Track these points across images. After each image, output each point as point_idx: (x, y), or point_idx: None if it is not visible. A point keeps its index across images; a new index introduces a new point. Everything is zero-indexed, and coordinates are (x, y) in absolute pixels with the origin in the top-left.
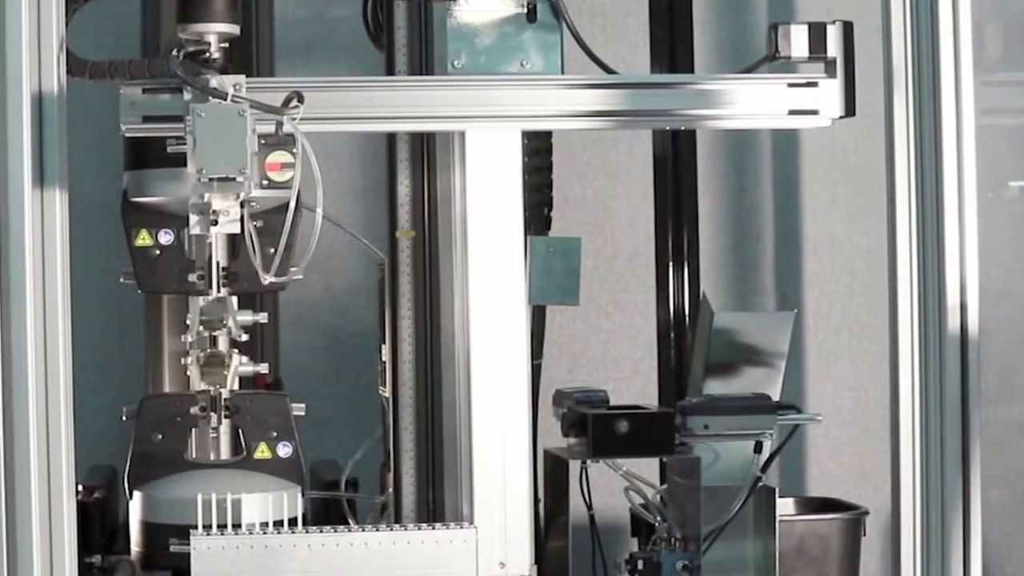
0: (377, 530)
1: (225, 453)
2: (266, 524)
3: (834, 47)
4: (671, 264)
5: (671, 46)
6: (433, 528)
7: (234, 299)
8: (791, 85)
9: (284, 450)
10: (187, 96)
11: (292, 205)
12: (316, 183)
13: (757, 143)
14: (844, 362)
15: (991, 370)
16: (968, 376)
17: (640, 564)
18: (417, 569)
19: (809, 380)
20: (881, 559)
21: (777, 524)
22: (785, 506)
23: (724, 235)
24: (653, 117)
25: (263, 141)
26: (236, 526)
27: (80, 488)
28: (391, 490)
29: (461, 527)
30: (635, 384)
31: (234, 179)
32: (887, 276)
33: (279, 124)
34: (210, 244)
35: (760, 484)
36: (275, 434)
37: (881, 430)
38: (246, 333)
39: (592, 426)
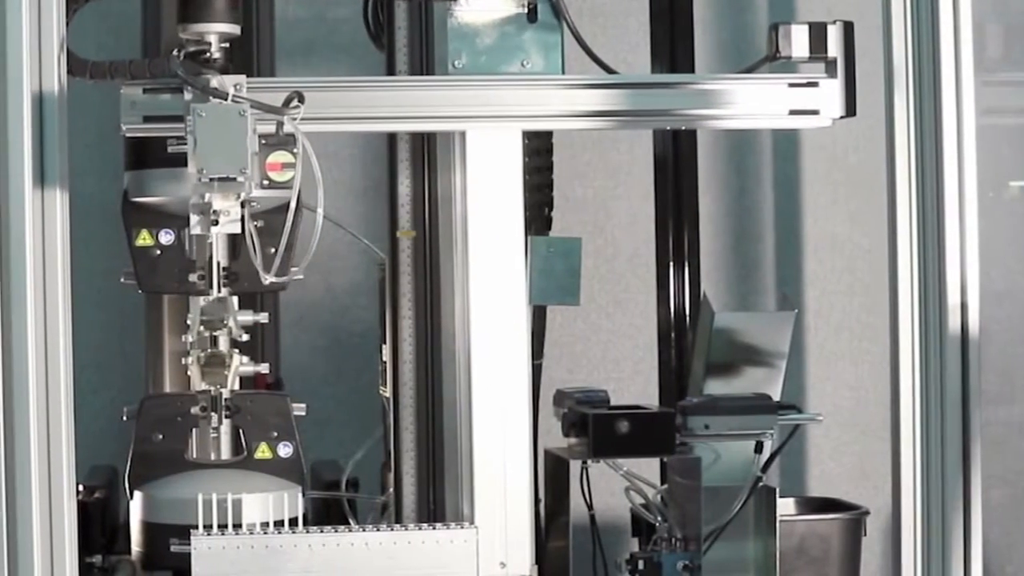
0: (378, 530)
1: (226, 453)
2: (267, 524)
3: (835, 47)
4: (672, 264)
5: (672, 46)
6: (434, 528)
7: (235, 299)
8: (792, 85)
9: (285, 450)
10: (188, 96)
11: (293, 205)
12: (317, 183)
13: (758, 143)
14: (845, 362)
15: (992, 370)
16: (969, 376)
17: (641, 564)
18: (418, 569)
19: (810, 380)
20: (882, 559)
21: (778, 524)
22: (786, 506)
23: (725, 235)
24: (654, 117)
25: (264, 141)
26: (237, 526)
27: (81, 488)
28: (392, 490)
29: (462, 527)
30: (636, 384)
31: (235, 179)
32: (888, 276)
33: (280, 124)
34: (211, 244)
35: (761, 484)
36: (276, 434)
37: (882, 430)
38: (247, 333)
39: (593, 426)
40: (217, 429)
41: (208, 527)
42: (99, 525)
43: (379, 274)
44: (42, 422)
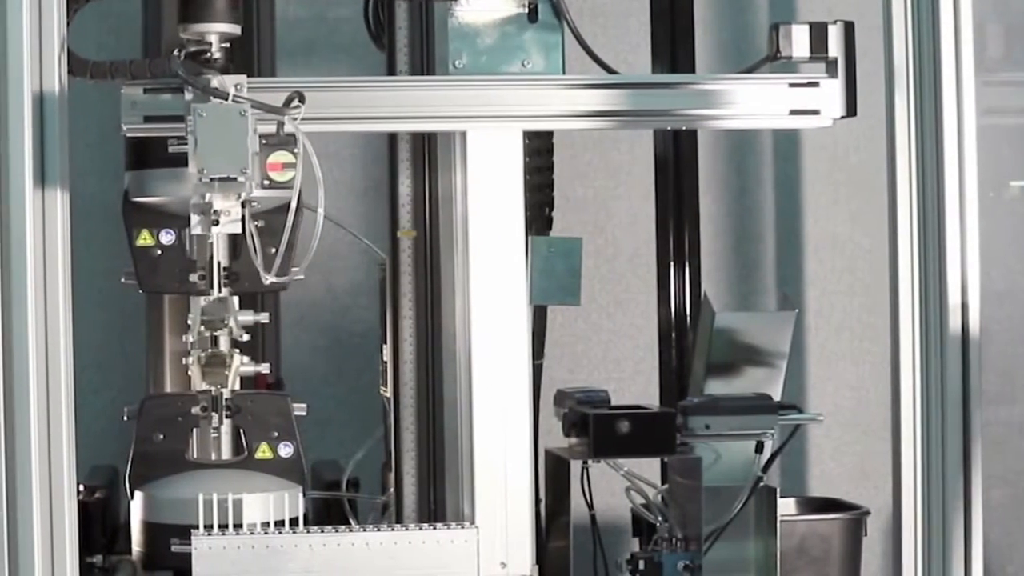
0: (378, 530)
1: (226, 453)
2: (267, 524)
3: (835, 47)
4: (672, 264)
5: (672, 46)
6: (434, 528)
7: (235, 299)
8: (792, 85)
9: (285, 450)
10: (188, 96)
11: (293, 205)
12: (317, 183)
13: (758, 143)
14: (845, 362)
15: (992, 370)
16: (969, 376)
17: (641, 564)
18: (418, 569)
19: (810, 380)
20: (882, 559)
21: (778, 524)
22: (786, 506)
23: (725, 235)
24: (654, 117)
25: (264, 141)
26: (237, 526)
27: (81, 488)
28: (392, 490)
29: (462, 527)
30: (636, 384)
31: (235, 179)
32: (888, 276)
33: (280, 124)
34: (211, 244)
35: (761, 484)
36: (276, 434)
37: (882, 430)
38: (247, 333)
39: (593, 426)
40: (218, 429)
41: (209, 527)
42: (100, 525)
43: (380, 274)
44: (43, 422)
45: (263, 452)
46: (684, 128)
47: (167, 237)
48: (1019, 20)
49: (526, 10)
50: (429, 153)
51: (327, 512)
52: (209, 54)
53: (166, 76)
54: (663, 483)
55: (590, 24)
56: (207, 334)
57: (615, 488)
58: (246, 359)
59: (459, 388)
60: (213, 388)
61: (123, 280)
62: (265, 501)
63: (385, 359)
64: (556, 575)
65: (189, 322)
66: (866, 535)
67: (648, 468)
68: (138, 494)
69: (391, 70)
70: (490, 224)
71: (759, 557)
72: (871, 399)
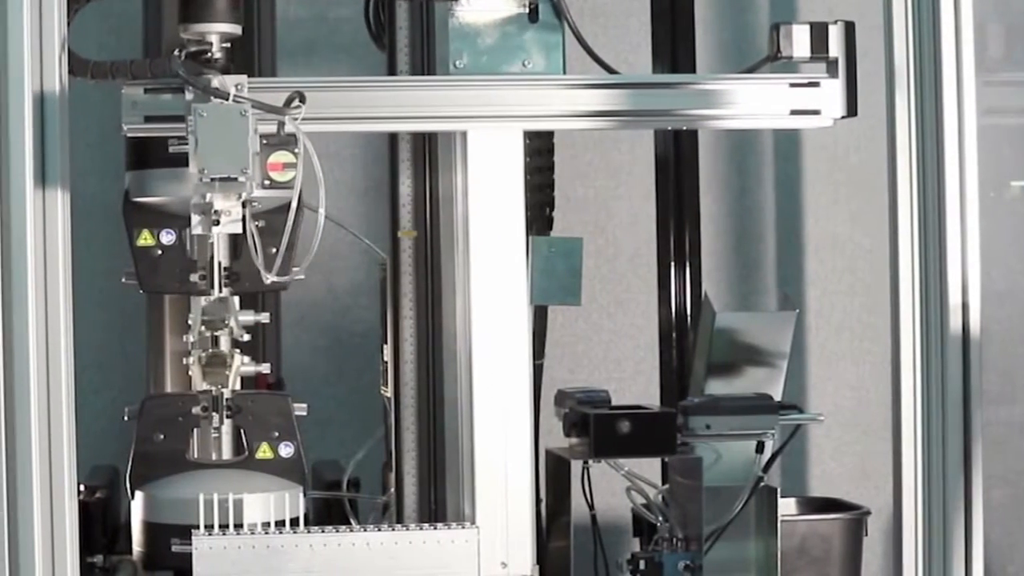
0: (379, 530)
1: (227, 453)
2: (268, 524)
3: (836, 47)
4: (673, 264)
5: (673, 46)
6: (435, 528)
7: (236, 299)
8: (793, 85)
9: (286, 450)
10: (189, 96)
11: (294, 205)
12: (318, 183)
13: (759, 143)
14: (846, 362)
15: (993, 370)
16: (970, 376)
17: (642, 564)
18: (419, 569)
19: (811, 380)
20: (883, 559)
21: (779, 524)
22: (787, 506)
23: (726, 235)
24: (655, 117)
25: (265, 141)
26: (238, 526)
27: (82, 488)
28: (393, 490)
29: (463, 527)
30: (637, 384)
31: (236, 179)
32: (889, 276)
33: (281, 124)
34: (212, 244)
35: (762, 484)
36: (277, 434)
37: (883, 430)
38: (248, 333)
39: (594, 426)
40: (218, 429)
41: (209, 527)
42: (100, 525)
43: (380, 274)
44: (43, 422)
45: (264, 452)
46: (685, 128)
47: (168, 237)
48: (1020, 20)
49: (527, 10)
50: (430, 153)
51: (328, 512)
52: (210, 54)
53: (167, 76)
54: (664, 483)
55: (591, 24)
56: (208, 334)
57: (616, 488)
58: (247, 359)
59: (460, 388)
60: (214, 388)
61: (124, 280)
62: (266, 501)
63: (386, 359)
64: (557, 575)
65: (190, 322)
66: (867, 535)
67: (649, 468)
68: (139, 494)
69: (392, 70)
70: (491, 224)
71: (760, 557)
72: (872, 399)
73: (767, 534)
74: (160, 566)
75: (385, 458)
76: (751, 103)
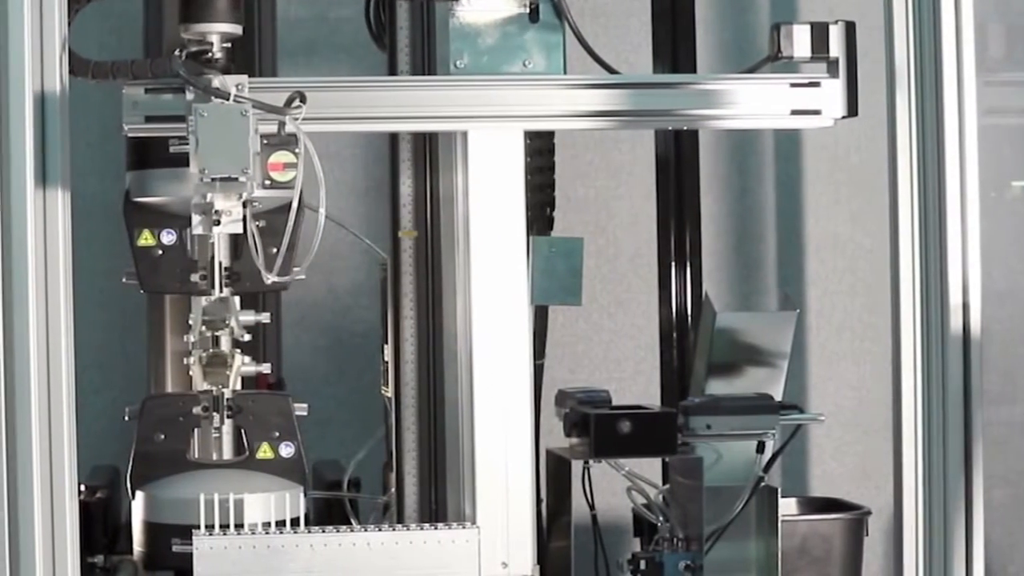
0: (379, 530)
1: (227, 453)
2: (268, 524)
3: (836, 47)
4: (673, 264)
5: (673, 46)
6: (435, 528)
7: (236, 299)
8: (793, 85)
9: (286, 450)
10: (189, 96)
11: (294, 205)
12: (318, 183)
13: (759, 143)
14: (846, 362)
15: (993, 370)
16: (970, 376)
17: (642, 564)
18: (419, 569)
19: (811, 380)
20: (883, 559)
21: (779, 524)
22: (787, 506)
23: (726, 235)
24: (655, 117)
25: (265, 141)
26: (238, 526)
27: (83, 488)
28: (393, 490)
29: (463, 527)
30: (637, 384)
31: (236, 179)
32: (889, 276)
33: (281, 124)
34: (212, 244)
35: (762, 484)
36: (277, 434)
37: (883, 430)
38: (248, 333)
39: (594, 426)
40: (219, 429)
41: (210, 527)
42: (101, 525)
43: (381, 274)
44: (44, 422)
45: (264, 452)
46: (685, 128)
47: (168, 237)
48: (1020, 20)
49: (527, 10)
50: (430, 153)
51: (328, 512)
52: (210, 54)
53: (167, 76)
54: (664, 483)
55: (591, 24)
56: (208, 334)
57: (616, 488)
58: (247, 359)
59: (460, 388)
60: (214, 388)
61: (124, 280)
62: (266, 501)
63: (386, 359)
64: (557, 575)
65: (190, 322)
66: (867, 535)
67: (649, 468)
68: (139, 494)
69: (392, 70)
70: (491, 224)
71: (760, 557)
72: (872, 399)
73: (768, 534)
74: (161, 566)
75: (386, 458)
76: (752, 103)
